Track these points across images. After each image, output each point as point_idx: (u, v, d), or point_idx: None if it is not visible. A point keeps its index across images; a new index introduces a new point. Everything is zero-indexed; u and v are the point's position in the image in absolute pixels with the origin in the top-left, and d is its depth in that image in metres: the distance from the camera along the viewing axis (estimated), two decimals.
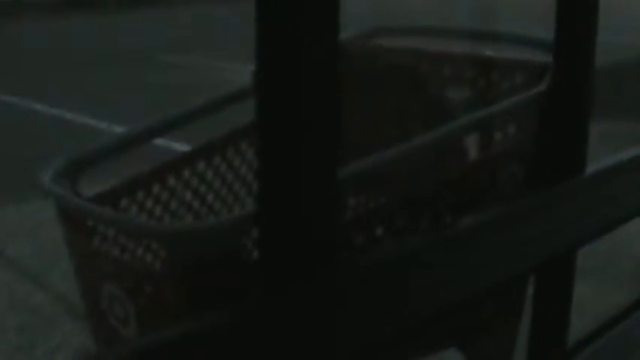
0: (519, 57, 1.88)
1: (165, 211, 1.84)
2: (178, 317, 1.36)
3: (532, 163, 1.67)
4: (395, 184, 1.53)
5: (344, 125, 1.07)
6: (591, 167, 1.64)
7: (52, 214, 1.58)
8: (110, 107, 8.26)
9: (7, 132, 7.47)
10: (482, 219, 1.46)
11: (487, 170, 1.69)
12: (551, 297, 1.68)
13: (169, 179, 1.85)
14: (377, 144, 1.56)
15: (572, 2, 1.53)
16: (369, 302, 1.17)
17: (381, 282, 1.20)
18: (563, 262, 1.67)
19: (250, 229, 1.33)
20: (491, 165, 1.70)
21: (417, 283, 1.25)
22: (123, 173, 1.82)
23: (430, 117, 1.92)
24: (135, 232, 1.56)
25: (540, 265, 1.62)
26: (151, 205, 1.82)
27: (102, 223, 1.55)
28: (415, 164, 1.53)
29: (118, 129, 6.75)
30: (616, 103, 6.85)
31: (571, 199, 1.62)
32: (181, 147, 2.03)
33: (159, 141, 1.96)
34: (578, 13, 1.54)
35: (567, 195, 1.61)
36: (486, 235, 1.42)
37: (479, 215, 1.49)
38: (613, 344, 1.96)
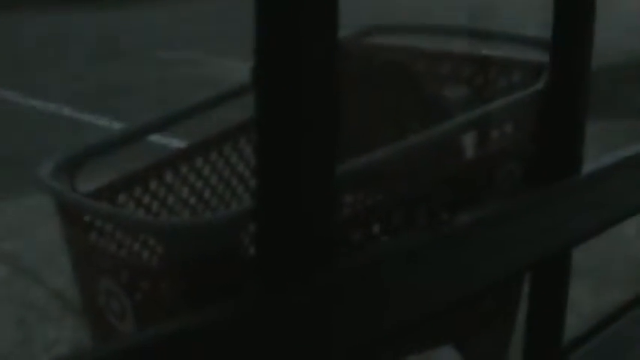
0: (516, 56, 1.89)
1: (163, 207, 1.85)
2: (175, 313, 1.36)
3: (529, 162, 1.68)
4: (392, 182, 1.54)
5: (342, 123, 1.07)
6: (588, 166, 1.65)
7: (49, 209, 1.58)
8: (108, 103, 8.26)
9: (3, 127, 7.47)
10: (478, 217, 1.46)
11: (484, 168, 1.69)
12: (546, 295, 1.68)
13: (167, 175, 1.86)
14: (374, 142, 1.56)
15: (569, 1, 1.53)
16: (366, 299, 1.18)
17: (378, 279, 1.20)
18: (559, 261, 1.68)
19: (247, 225, 1.33)
20: (488, 163, 1.71)
21: (412, 280, 1.25)
22: (120, 169, 1.82)
23: (427, 115, 1.93)
24: (132, 227, 1.57)
25: (536, 264, 1.62)
26: (148, 201, 1.82)
27: (99, 219, 1.55)
28: (412, 162, 1.53)
29: (116, 125, 6.76)
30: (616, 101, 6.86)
31: (567, 198, 1.62)
32: (178, 143, 2.03)
33: (156, 137, 1.96)
34: (575, 12, 1.55)
35: (564, 193, 1.61)
36: (483, 233, 1.43)
37: (475, 213, 1.49)
38: (608, 343, 1.96)
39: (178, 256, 1.37)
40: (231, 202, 1.96)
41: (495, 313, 1.84)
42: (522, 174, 1.70)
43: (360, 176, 1.47)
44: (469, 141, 1.77)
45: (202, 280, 1.35)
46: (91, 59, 11.32)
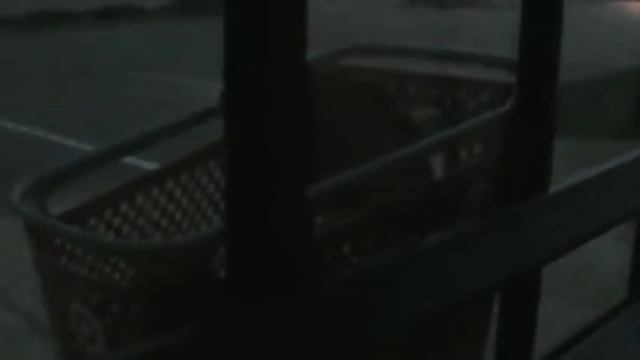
0: (485, 77, 1.91)
1: (134, 230, 1.84)
2: (146, 335, 1.36)
3: (498, 182, 1.69)
4: (362, 202, 1.54)
5: (314, 144, 1.08)
6: (557, 184, 1.66)
7: (18, 230, 1.58)
8: (82, 125, 8.23)
9: None
10: (448, 237, 1.47)
11: (453, 189, 1.71)
12: (516, 315, 1.69)
13: (137, 197, 1.85)
14: (345, 163, 1.57)
15: (535, 21, 1.55)
16: (342, 319, 1.19)
17: (351, 300, 1.21)
18: (529, 280, 1.69)
19: (218, 247, 1.33)
20: (458, 183, 1.72)
21: (382, 301, 1.26)
22: (91, 191, 1.81)
23: (397, 136, 1.94)
24: (103, 250, 1.56)
25: (506, 283, 1.63)
26: (119, 224, 1.82)
27: (70, 242, 1.55)
28: (382, 183, 1.54)
29: (89, 147, 6.73)
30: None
31: (537, 217, 1.64)
32: (150, 165, 2.03)
33: (127, 158, 1.96)
34: (542, 32, 1.57)
35: (533, 212, 1.62)
36: (453, 253, 1.44)
37: (445, 233, 1.50)
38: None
39: (149, 278, 1.37)
40: (201, 224, 1.96)
41: (465, 333, 1.85)
42: (492, 194, 1.71)
43: (329, 197, 1.48)
44: (438, 162, 1.78)
45: (173, 303, 1.35)
46: (66, 80, 11.28)
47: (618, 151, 1.98)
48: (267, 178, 1.04)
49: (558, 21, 1.57)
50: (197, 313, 1.31)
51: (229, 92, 1.03)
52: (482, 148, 1.76)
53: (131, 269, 1.54)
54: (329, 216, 1.61)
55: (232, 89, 1.03)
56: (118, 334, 1.43)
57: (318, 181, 1.41)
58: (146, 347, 0.95)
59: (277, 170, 1.05)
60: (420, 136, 1.73)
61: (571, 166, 1.94)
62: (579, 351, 1.99)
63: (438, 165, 1.78)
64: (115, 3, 17.42)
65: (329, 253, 1.52)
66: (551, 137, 1.62)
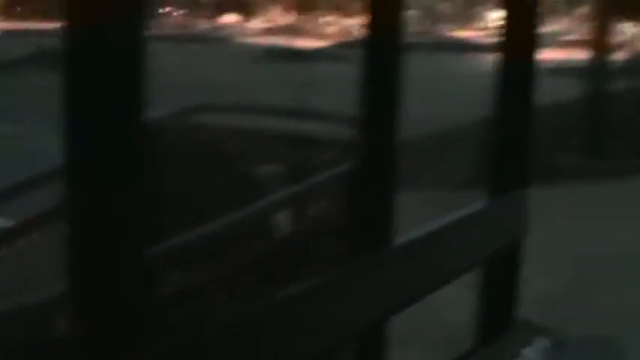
0: (331, 133, 1.94)
1: None
2: None
3: (344, 236, 1.72)
4: (209, 260, 1.55)
5: (156, 203, 1.09)
6: (403, 236, 1.70)
7: None
8: None
9: None
10: (296, 292, 1.49)
11: (300, 244, 1.73)
12: None
13: None
14: (193, 221, 1.58)
15: (376, 77, 1.60)
16: None
17: (197, 358, 1.22)
18: (378, 331, 1.71)
19: (66, 307, 1.32)
20: (304, 239, 1.75)
21: (233, 356, 1.27)
22: None
23: (243, 193, 1.95)
24: None
25: (355, 335, 1.65)
26: None
27: None
28: (229, 240, 1.55)
29: None
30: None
31: (383, 269, 1.66)
32: (2, 222, 1.98)
33: None
34: (383, 88, 1.61)
35: (379, 265, 1.65)
36: (301, 307, 1.45)
37: (293, 288, 1.51)
38: None
39: None
40: (52, 284, 1.92)
41: None
42: (338, 248, 1.74)
43: (175, 256, 1.48)
44: (285, 217, 1.80)
45: None
46: None
47: (463, 202, 2.04)
48: (109, 238, 1.05)
49: (399, 76, 1.61)
50: None
51: (69, 152, 1.03)
52: (329, 203, 1.79)
53: None
54: (177, 275, 1.61)
55: (72, 149, 1.03)
56: None
57: (165, 239, 1.42)
58: None
59: (119, 229, 1.05)
60: (265, 194, 1.76)
61: (416, 217, 1.99)
62: None
63: (285, 221, 1.80)
64: None
65: (178, 310, 1.52)
66: (395, 190, 1.66)
